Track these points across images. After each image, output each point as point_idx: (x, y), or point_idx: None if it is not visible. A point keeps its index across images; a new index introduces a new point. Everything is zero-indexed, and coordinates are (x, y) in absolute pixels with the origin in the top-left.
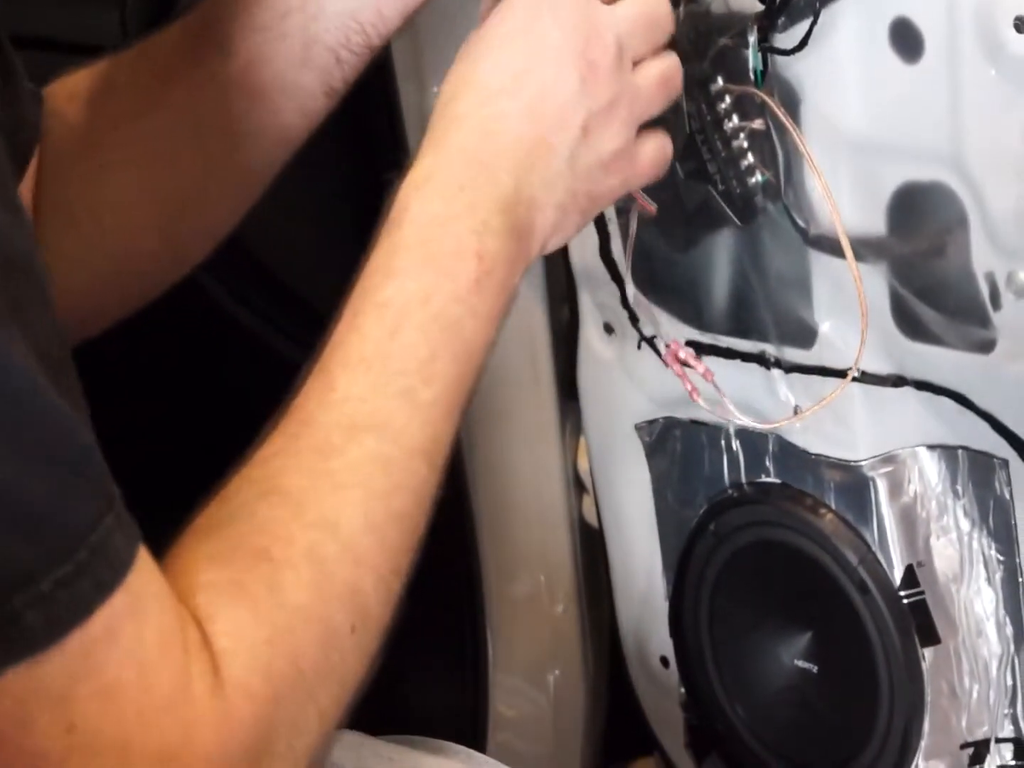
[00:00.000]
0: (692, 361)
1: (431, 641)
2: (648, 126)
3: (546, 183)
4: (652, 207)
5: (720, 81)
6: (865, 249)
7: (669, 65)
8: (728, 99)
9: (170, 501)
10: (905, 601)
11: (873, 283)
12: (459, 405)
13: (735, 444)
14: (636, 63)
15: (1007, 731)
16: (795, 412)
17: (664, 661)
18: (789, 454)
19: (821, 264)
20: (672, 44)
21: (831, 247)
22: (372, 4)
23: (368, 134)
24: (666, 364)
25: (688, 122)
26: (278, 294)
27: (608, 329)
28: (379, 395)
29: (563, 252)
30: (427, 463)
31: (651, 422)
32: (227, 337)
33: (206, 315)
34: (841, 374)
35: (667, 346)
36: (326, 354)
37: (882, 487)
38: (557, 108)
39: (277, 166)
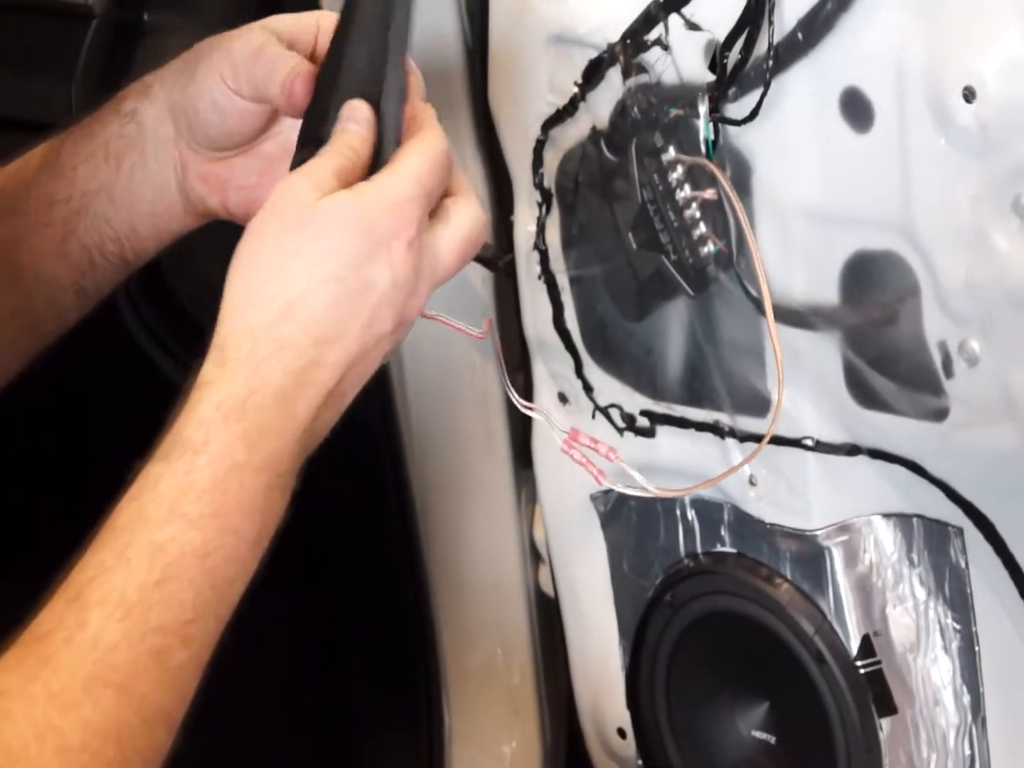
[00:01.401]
0: (592, 444)
1: (387, 713)
2: None
3: (346, 402)
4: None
5: (672, 151)
6: (818, 318)
7: (472, 222)
8: (680, 169)
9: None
10: (862, 671)
11: (826, 352)
12: (209, 653)
13: (690, 514)
14: (435, 216)
15: None
16: (750, 482)
17: (621, 732)
18: (744, 524)
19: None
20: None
21: (783, 316)
22: (126, 216)
23: None
24: (565, 453)
25: (640, 192)
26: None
27: (563, 398)
28: (131, 649)
29: (517, 321)
30: (166, 727)
31: (606, 492)
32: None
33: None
34: (795, 443)
35: (565, 434)
36: (89, 575)
37: (837, 556)
38: (365, 364)
39: (23, 357)
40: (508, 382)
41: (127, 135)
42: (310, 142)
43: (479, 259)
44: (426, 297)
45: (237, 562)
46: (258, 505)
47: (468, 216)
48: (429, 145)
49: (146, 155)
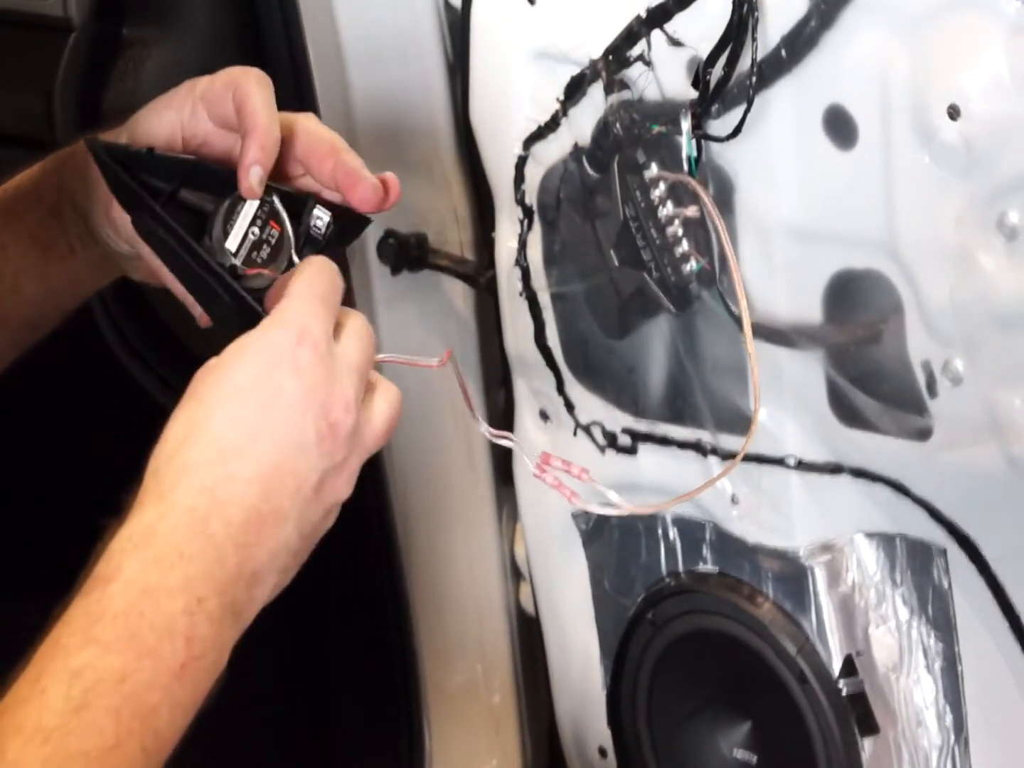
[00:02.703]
0: (564, 466)
1: (367, 731)
2: None
3: (272, 554)
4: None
5: (654, 168)
6: (801, 336)
7: (395, 408)
8: (662, 186)
9: None
10: (844, 691)
11: (809, 370)
12: None
13: (672, 533)
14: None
15: None
16: (732, 501)
17: (602, 751)
18: (726, 542)
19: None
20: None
21: (766, 334)
22: (61, 289)
23: None
24: (538, 478)
25: (622, 209)
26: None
27: (544, 416)
28: None
29: (498, 338)
30: None
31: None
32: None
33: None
34: (778, 461)
35: (537, 459)
36: (2, 706)
37: (820, 576)
38: (292, 475)
39: None
40: (474, 411)
41: (49, 227)
42: None
43: (460, 275)
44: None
45: (159, 689)
46: (179, 629)
47: (393, 393)
48: (317, 268)
49: (73, 246)
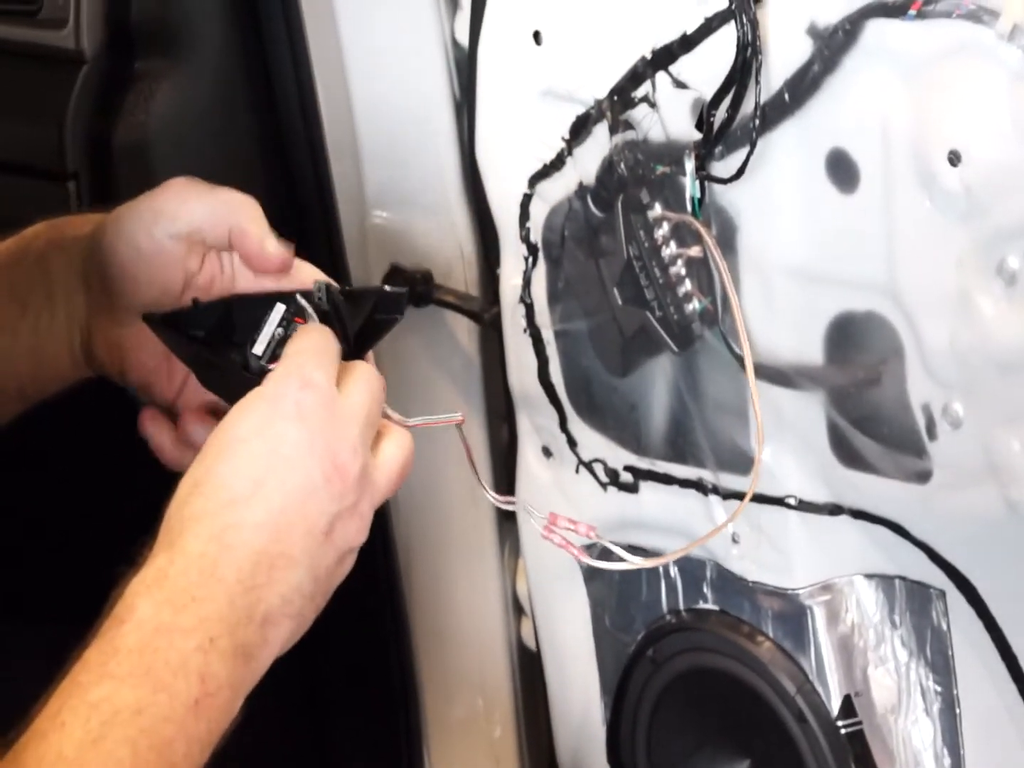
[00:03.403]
0: (571, 525)
1: (367, 765)
2: None
3: (284, 598)
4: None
5: (658, 208)
6: (802, 377)
7: (406, 452)
8: (666, 226)
9: None
10: (843, 731)
11: (810, 411)
12: None
13: (673, 571)
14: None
15: None
16: (733, 540)
17: None
18: (727, 581)
19: (758, 391)
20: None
21: (768, 374)
22: (28, 358)
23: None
24: (546, 539)
25: (626, 248)
26: None
27: (546, 452)
28: None
29: (502, 374)
30: None
31: (589, 546)
32: None
33: None
34: (778, 501)
35: (544, 520)
36: (23, 741)
37: (819, 616)
38: (301, 518)
39: None
40: (479, 478)
41: (34, 281)
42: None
43: (465, 311)
44: (371, 501)
45: (175, 723)
46: (193, 666)
47: (405, 438)
48: (308, 329)
49: (54, 308)
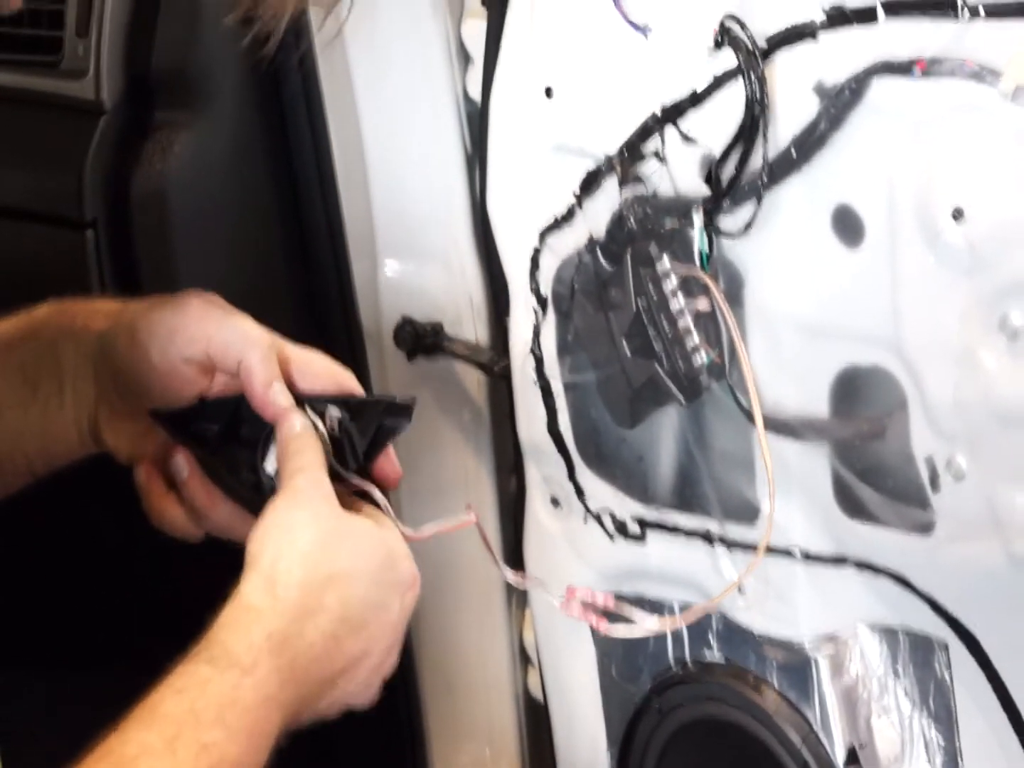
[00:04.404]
0: (590, 597)
1: None
2: None
3: (337, 699)
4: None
5: (667, 261)
6: (808, 429)
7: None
8: (674, 279)
9: None
10: None
11: (815, 463)
12: None
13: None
14: None
15: None
16: (739, 591)
17: None
18: (733, 632)
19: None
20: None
21: (774, 426)
22: (40, 437)
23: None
24: (566, 612)
25: (635, 300)
26: None
27: (555, 502)
28: None
29: (511, 425)
30: None
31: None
32: None
33: None
34: (784, 552)
35: (562, 595)
36: (129, 749)
37: (824, 666)
38: (372, 655)
39: None
40: (496, 559)
41: (44, 365)
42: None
43: (475, 363)
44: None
45: None
46: (272, 741)
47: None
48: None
49: (63, 394)
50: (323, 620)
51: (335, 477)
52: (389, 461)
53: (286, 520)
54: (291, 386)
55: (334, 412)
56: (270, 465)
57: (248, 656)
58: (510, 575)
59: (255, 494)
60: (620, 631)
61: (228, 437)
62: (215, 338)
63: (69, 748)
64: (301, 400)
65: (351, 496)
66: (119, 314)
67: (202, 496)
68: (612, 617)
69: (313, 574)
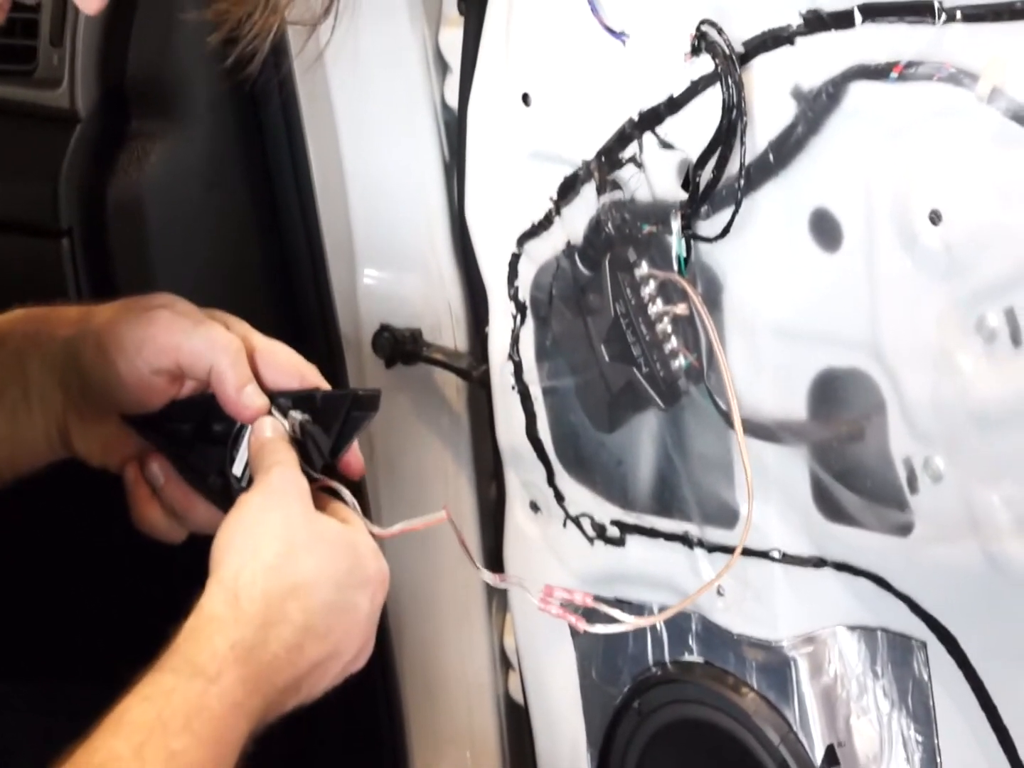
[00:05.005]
0: (568, 594)
1: None
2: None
3: (301, 699)
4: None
5: (645, 266)
6: (786, 432)
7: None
8: (652, 284)
9: None
10: None
11: (794, 465)
12: None
13: (659, 623)
14: None
15: None
16: (718, 593)
17: None
18: (712, 633)
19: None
20: None
21: (752, 429)
22: (6, 445)
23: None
24: (545, 611)
25: (613, 306)
26: None
27: (534, 507)
28: None
29: (490, 431)
30: None
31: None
32: None
33: None
34: (763, 554)
35: (541, 593)
36: (96, 757)
37: (803, 667)
38: (341, 657)
39: None
40: (473, 559)
41: (9, 373)
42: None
43: (454, 369)
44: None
45: None
46: (241, 746)
47: None
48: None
49: (30, 402)
50: (286, 631)
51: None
52: (352, 453)
53: (252, 525)
54: (258, 380)
55: (296, 415)
56: (238, 467)
57: (212, 665)
58: (487, 575)
59: (224, 497)
60: (599, 629)
61: (200, 436)
62: (184, 347)
63: (50, 758)
64: (270, 396)
65: (319, 493)
66: (85, 321)
67: (180, 499)
68: (591, 616)
69: (276, 585)
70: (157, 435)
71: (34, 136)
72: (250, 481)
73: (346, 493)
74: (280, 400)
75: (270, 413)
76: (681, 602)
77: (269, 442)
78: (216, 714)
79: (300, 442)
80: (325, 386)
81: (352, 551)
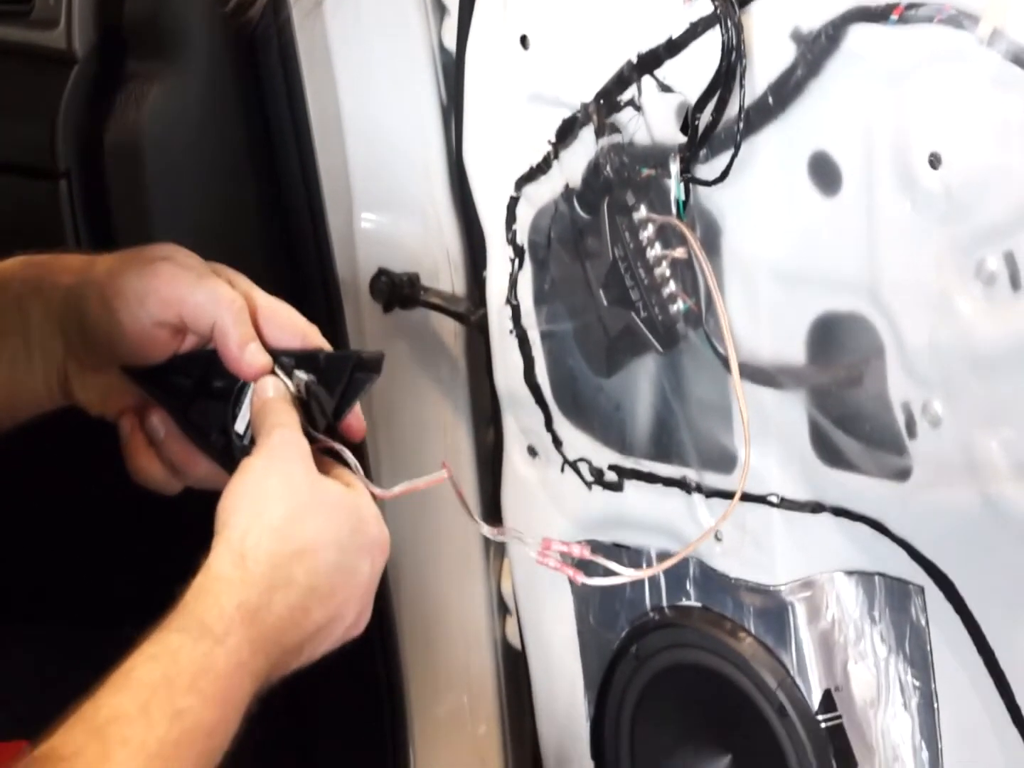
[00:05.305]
0: (566, 547)
1: (353, 761)
2: None
3: (303, 660)
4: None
5: (643, 210)
6: (784, 377)
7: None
8: (651, 228)
9: None
10: (823, 725)
11: (792, 410)
12: None
13: None
14: None
15: None
16: (716, 538)
17: None
18: (709, 578)
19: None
20: None
21: (751, 374)
22: (4, 394)
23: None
24: (541, 563)
25: (611, 250)
26: None
27: (532, 452)
28: None
29: (488, 375)
30: None
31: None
32: None
33: None
34: (761, 499)
35: (538, 545)
36: (103, 713)
37: (800, 612)
38: (342, 620)
39: None
40: (471, 512)
41: (10, 319)
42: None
43: (451, 313)
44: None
45: (220, 752)
46: (246, 705)
47: None
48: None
49: (30, 349)
50: (292, 593)
51: (306, 437)
52: (354, 415)
53: (258, 488)
54: (260, 339)
55: (301, 375)
56: (240, 425)
57: (220, 625)
58: (486, 529)
59: (226, 455)
60: (597, 581)
61: (201, 391)
62: (187, 301)
63: (51, 707)
64: (273, 355)
65: (321, 455)
66: (87, 270)
67: (179, 453)
68: (589, 567)
69: (281, 548)
70: (157, 388)
71: (31, 77)
72: (252, 440)
73: (349, 455)
74: (283, 359)
75: (273, 372)
76: (680, 552)
77: (271, 402)
78: (222, 674)
79: (304, 402)
80: (327, 347)
81: (355, 515)
